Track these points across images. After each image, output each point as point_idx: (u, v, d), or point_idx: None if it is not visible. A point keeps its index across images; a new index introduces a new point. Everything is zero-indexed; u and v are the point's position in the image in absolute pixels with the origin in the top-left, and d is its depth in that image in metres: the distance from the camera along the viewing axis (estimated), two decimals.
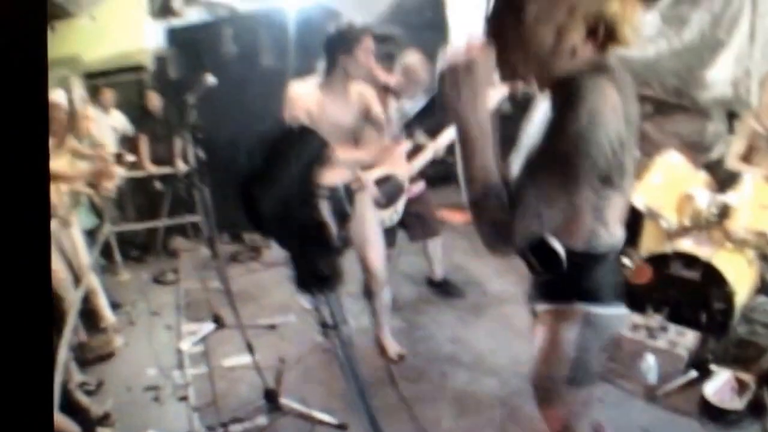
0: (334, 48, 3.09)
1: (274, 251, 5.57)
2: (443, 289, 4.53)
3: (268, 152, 2.00)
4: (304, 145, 2.11)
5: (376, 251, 3.45)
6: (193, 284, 5.02)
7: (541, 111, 1.43)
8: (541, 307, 1.60)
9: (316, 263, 2.07)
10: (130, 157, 5.30)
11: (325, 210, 3.10)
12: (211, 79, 3.76)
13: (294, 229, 1.99)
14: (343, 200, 3.28)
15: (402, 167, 3.86)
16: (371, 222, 3.47)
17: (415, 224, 4.25)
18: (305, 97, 3.08)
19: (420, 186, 4.19)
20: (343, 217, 3.30)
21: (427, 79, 3.86)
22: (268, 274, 5.25)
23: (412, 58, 3.86)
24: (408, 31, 6.89)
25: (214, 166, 5.16)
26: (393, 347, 3.70)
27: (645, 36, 4.93)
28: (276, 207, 1.88)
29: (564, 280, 1.47)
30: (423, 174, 4.14)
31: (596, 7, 1.26)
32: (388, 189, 3.77)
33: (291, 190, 1.97)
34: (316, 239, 2.06)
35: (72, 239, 3.96)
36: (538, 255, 1.46)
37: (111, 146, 5.41)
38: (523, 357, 3.49)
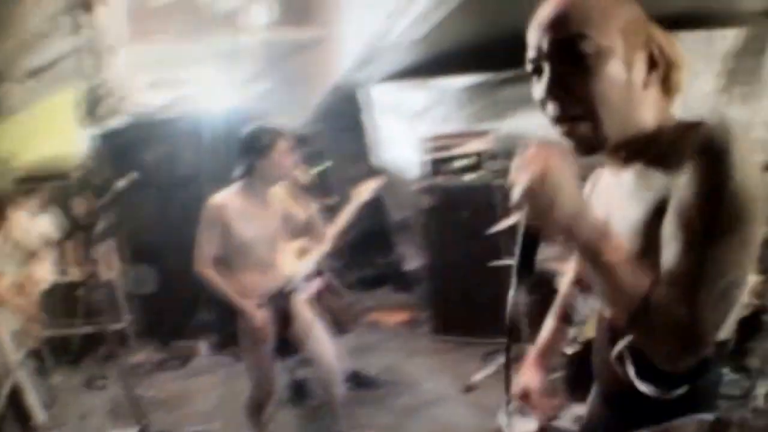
0: (250, 152, 3.05)
1: (202, 359, 5.54)
2: (354, 381, 4.33)
3: None
4: None
5: (326, 345, 3.34)
6: (119, 390, 4.81)
7: (620, 186, 1.24)
8: None
9: None
10: None
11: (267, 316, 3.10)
12: (131, 176, 3.50)
13: None
14: (286, 304, 3.26)
15: (293, 269, 3.58)
16: (312, 319, 3.37)
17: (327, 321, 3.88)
18: (225, 208, 3.03)
19: (317, 282, 3.96)
20: (286, 320, 3.25)
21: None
22: (196, 382, 5.14)
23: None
24: (331, 133, 7.21)
25: (142, 273, 5.06)
26: None
27: None
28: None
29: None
30: (319, 272, 3.96)
31: (645, 31, 1.13)
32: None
33: None
34: None
35: None
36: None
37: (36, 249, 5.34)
38: None
